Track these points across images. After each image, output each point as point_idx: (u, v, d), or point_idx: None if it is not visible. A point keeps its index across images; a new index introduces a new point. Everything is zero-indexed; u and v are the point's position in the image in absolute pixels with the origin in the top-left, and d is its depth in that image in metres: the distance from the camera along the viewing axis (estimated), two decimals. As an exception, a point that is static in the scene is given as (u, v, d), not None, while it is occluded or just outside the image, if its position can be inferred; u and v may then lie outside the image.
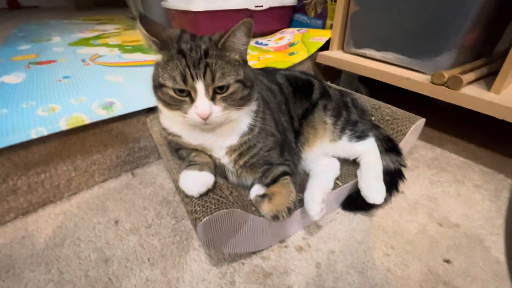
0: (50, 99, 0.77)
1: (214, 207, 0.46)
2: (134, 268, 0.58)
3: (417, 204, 0.73)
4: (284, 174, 0.57)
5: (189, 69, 0.44)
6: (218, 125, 0.51)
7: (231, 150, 0.55)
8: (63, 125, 0.67)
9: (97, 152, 0.79)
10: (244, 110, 0.52)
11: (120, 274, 0.57)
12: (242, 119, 0.54)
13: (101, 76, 0.94)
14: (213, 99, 0.46)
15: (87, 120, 0.70)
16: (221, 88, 0.46)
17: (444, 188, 0.79)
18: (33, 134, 0.64)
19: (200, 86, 0.45)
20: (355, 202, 0.68)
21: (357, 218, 0.69)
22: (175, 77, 0.45)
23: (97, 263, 0.59)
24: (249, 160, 0.56)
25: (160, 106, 0.52)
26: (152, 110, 0.84)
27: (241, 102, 0.50)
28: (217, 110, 0.47)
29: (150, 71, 0.50)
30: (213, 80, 0.45)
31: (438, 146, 0.98)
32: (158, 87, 0.48)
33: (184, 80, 0.45)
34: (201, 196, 0.49)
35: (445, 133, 1.06)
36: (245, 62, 0.50)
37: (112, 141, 0.80)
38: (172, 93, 0.46)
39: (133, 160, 0.87)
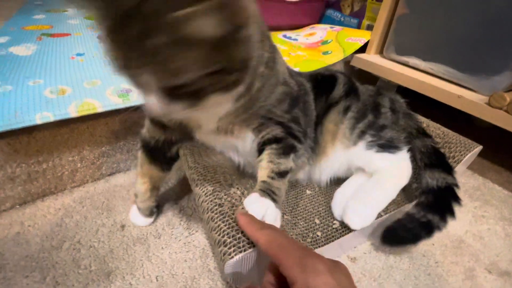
0: (61, 79, 0.68)
1: (248, 239, 0.37)
2: (140, 287, 0.50)
3: (461, 243, 0.65)
4: (273, 141, 0.43)
5: (124, 56, 0.27)
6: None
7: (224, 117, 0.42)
8: (72, 112, 0.59)
9: (107, 144, 0.71)
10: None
11: (123, 293, 0.49)
12: None
13: (118, 58, 0.85)
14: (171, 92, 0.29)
15: (99, 108, 0.62)
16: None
17: (491, 226, 0.70)
18: (38, 119, 0.56)
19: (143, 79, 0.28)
20: (396, 234, 0.59)
21: (395, 253, 0.61)
22: (111, 61, 0.28)
23: (98, 275, 0.52)
24: (246, 117, 0.43)
25: None
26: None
27: (224, 91, 0.31)
28: (177, 109, 0.30)
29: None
30: (161, 77, 0.27)
31: (479, 174, 0.89)
32: None
33: (121, 69, 0.28)
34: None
35: (485, 159, 0.96)
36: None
37: (125, 132, 0.72)
38: None
39: (145, 155, 0.79)
